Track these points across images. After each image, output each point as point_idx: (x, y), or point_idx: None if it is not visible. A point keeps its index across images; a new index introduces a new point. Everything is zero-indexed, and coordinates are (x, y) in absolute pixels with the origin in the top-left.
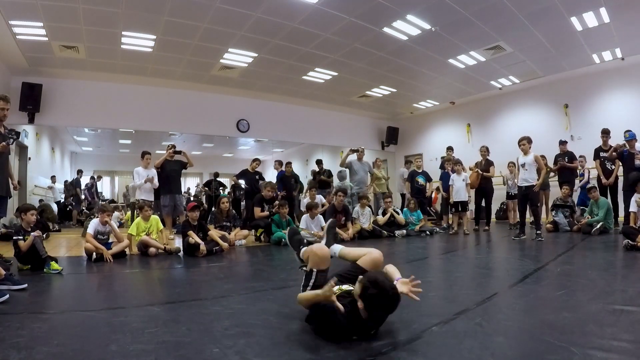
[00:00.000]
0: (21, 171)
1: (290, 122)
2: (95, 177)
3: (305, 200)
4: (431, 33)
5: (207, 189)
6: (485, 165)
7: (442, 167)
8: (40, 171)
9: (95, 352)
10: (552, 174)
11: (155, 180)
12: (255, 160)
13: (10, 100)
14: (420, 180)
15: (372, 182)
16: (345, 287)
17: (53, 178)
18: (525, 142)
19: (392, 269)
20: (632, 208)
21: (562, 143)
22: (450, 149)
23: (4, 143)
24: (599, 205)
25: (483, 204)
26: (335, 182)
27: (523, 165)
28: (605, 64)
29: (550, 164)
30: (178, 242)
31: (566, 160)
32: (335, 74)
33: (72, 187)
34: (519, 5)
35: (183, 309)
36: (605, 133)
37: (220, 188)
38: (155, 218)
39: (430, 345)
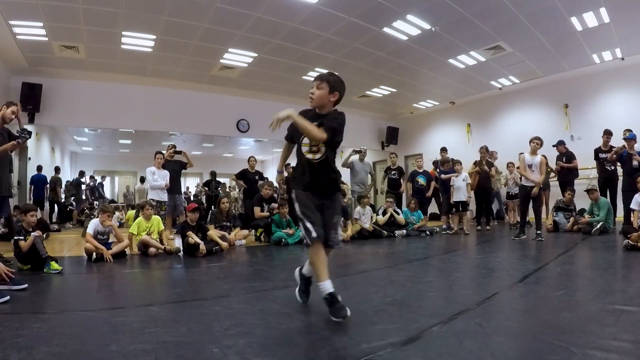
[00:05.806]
0: (21, 171)
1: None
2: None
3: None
4: (431, 33)
5: (206, 188)
6: (488, 166)
7: (436, 167)
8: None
9: (95, 352)
10: (552, 174)
11: (167, 180)
12: (250, 158)
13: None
14: (421, 180)
15: (371, 182)
16: None
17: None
18: (538, 142)
19: None
20: (634, 205)
21: (559, 144)
22: (444, 150)
23: (14, 142)
24: (599, 206)
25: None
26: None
27: (530, 166)
28: (605, 64)
29: (552, 164)
30: (178, 242)
31: (564, 160)
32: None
33: (72, 187)
34: (519, 5)
35: (183, 309)
36: (608, 134)
37: (219, 188)
38: (156, 218)
39: (430, 345)
